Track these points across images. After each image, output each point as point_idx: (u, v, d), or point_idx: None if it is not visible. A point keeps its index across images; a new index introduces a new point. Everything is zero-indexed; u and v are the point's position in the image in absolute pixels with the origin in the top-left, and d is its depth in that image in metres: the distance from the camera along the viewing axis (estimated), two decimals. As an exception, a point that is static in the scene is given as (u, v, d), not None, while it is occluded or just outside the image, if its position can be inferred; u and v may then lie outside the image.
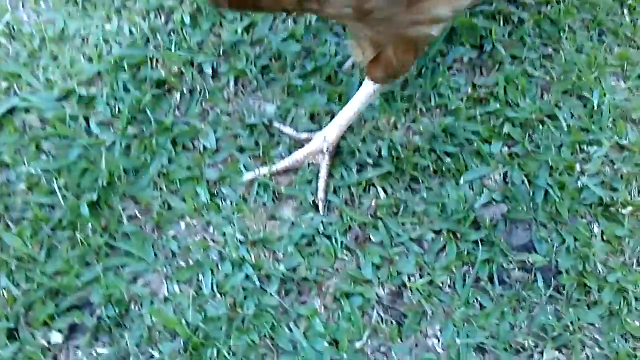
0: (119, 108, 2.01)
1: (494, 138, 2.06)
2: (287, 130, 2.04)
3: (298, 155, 1.99)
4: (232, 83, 2.10)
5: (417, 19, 1.55)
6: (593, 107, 2.13)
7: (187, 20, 2.16)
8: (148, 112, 2.01)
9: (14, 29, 2.14)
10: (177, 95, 2.07)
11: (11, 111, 2.01)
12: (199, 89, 2.09)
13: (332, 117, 2.04)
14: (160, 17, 2.18)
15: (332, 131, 1.98)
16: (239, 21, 2.20)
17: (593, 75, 2.18)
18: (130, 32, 2.13)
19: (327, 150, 1.97)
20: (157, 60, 2.09)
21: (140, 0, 2.18)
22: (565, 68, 2.20)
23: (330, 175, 1.98)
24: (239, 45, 2.16)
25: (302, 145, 2.01)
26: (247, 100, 2.10)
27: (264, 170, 1.97)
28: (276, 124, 2.04)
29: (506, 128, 2.08)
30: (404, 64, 1.75)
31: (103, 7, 2.17)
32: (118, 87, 2.04)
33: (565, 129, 2.09)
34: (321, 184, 1.97)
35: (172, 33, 2.15)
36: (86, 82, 2.06)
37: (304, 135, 2.03)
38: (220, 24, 2.17)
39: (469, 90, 2.13)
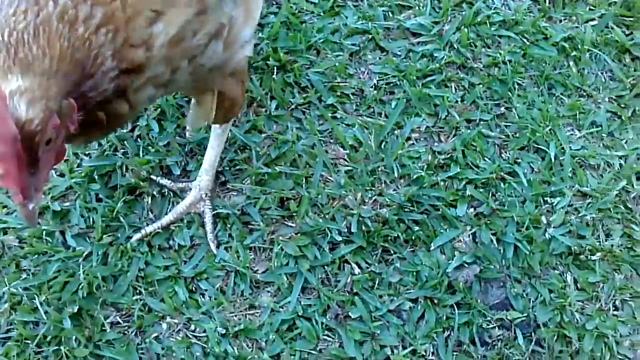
0: (93, 218, 2.08)
1: (459, 201, 2.13)
2: (164, 182, 2.16)
3: (180, 208, 2.11)
4: (201, 180, 2.17)
5: (233, 50, 1.73)
6: (551, 159, 2.21)
7: (152, 124, 2.24)
8: (122, 218, 2.07)
9: (-13, 153, 2.22)
10: (149, 199, 2.14)
11: (-11, 233, 2.07)
12: (168, 190, 2.15)
13: (300, 201, 2.11)
14: (127, 125, 2.27)
15: (203, 180, 2.11)
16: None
17: (547, 128, 2.26)
18: (99, 143, 2.21)
19: (206, 197, 2.11)
20: (126, 167, 2.17)
21: (106, 111, 2.28)
22: (519, 125, 2.28)
23: (215, 220, 2.10)
24: (204, 143, 2.23)
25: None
26: (218, 193, 2.17)
27: (150, 228, 2.07)
28: (154, 177, 2.15)
29: (469, 190, 2.14)
30: (236, 98, 1.92)
31: (71, 123, 2.26)
32: (91, 198, 2.11)
33: (527, 184, 2.16)
34: (209, 227, 2.09)
35: (139, 139, 2.23)
36: (60, 196, 2.12)
37: (180, 185, 2.15)
38: (184, 125, 2.26)
39: (429, 158, 2.21)
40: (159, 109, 2.27)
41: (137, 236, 2.05)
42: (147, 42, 1.44)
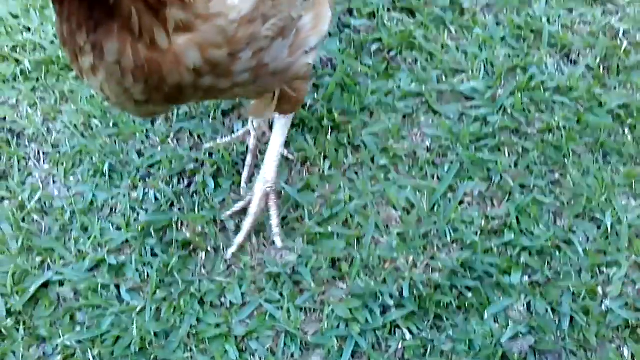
0: (147, 273, 2.10)
1: (513, 268, 2.10)
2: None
3: (252, 210, 2.17)
4: (253, 237, 2.19)
5: (298, 55, 1.83)
6: (607, 228, 2.17)
7: (208, 181, 2.28)
8: (175, 274, 2.10)
9: (45, 204, 2.28)
10: (203, 255, 2.16)
11: (46, 285, 2.10)
12: (222, 246, 2.18)
13: (352, 262, 2.11)
14: (183, 181, 2.31)
15: (269, 172, 2.19)
16: (257, 175, 2.31)
17: (603, 197, 2.24)
18: (156, 198, 2.26)
19: (271, 190, 2.18)
20: (182, 223, 2.20)
21: (164, 166, 2.32)
22: (574, 192, 2.26)
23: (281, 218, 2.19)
24: (258, 200, 2.26)
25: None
26: (270, 252, 2.18)
27: (239, 238, 2.15)
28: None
29: (524, 257, 2.11)
30: (300, 92, 2.02)
31: (129, 176, 2.31)
32: (146, 252, 2.14)
33: (582, 253, 2.12)
34: (275, 221, 2.17)
35: (194, 195, 2.27)
36: (116, 250, 2.16)
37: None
38: (240, 182, 2.29)
39: (483, 222, 2.19)
40: (215, 166, 2.32)
41: (232, 249, 2.14)
42: None
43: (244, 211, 2.21)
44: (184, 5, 1.51)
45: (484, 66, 2.57)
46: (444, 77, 2.55)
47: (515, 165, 2.33)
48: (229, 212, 2.22)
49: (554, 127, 2.40)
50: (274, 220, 2.17)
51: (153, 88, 1.59)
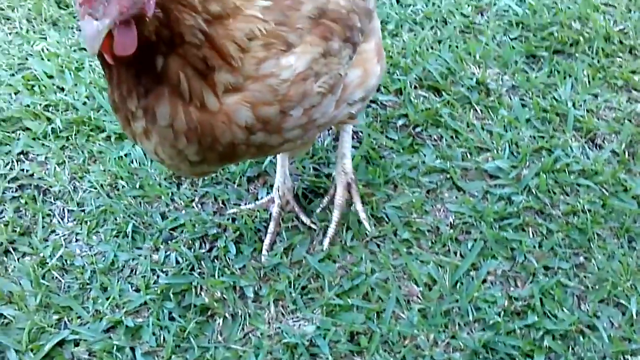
0: (164, 337, 2.08)
1: (536, 352, 2.05)
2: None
3: (338, 200, 2.33)
4: (272, 306, 2.16)
5: (342, 107, 1.90)
6: (632, 315, 2.13)
7: (230, 246, 2.28)
8: (192, 339, 2.07)
9: (66, 262, 2.28)
10: (220, 321, 2.13)
11: (61, 343, 2.08)
12: (240, 313, 2.15)
13: (371, 337, 2.08)
14: (205, 245, 2.31)
15: (347, 163, 2.35)
16: (279, 242, 2.31)
17: (628, 282, 2.20)
18: (177, 261, 2.25)
19: (352, 181, 2.36)
20: (201, 287, 2.18)
21: (187, 230, 2.33)
22: (599, 276, 2.22)
23: None
24: (278, 268, 2.25)
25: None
26: (288, 321, 2.15)
27: (331, 231, 2.29)
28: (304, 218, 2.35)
29: (547, 341, 2.07)
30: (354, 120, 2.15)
31: (151, 238, 2.32)
32: (164, 316, 2.12)
33: (607, 339, 2.07)
34: (359, 207, 2.35)
35: (215, 260, 2.26)
36: (133, 312, 2.14)
37: (331, 191, 2.39)
38: (262, 249, 2.28)
39: (506, 303, 2.16)
40: (238, 232, 2.32)
41: (325, 242, 2.28)
42: (244, 43, 1.57)
43: (263, 281, 2.20)
44: (232, 68, 1.54)
45: (509, 146, 2.58)
46: (468, 155, 2.57)
47: (540, 246, 2.31)
48: (319, 209, 2.36)
49: (579, 210, 2.39)
50: (359, 206, 2.32)
51: (207, 148, 1.61)
